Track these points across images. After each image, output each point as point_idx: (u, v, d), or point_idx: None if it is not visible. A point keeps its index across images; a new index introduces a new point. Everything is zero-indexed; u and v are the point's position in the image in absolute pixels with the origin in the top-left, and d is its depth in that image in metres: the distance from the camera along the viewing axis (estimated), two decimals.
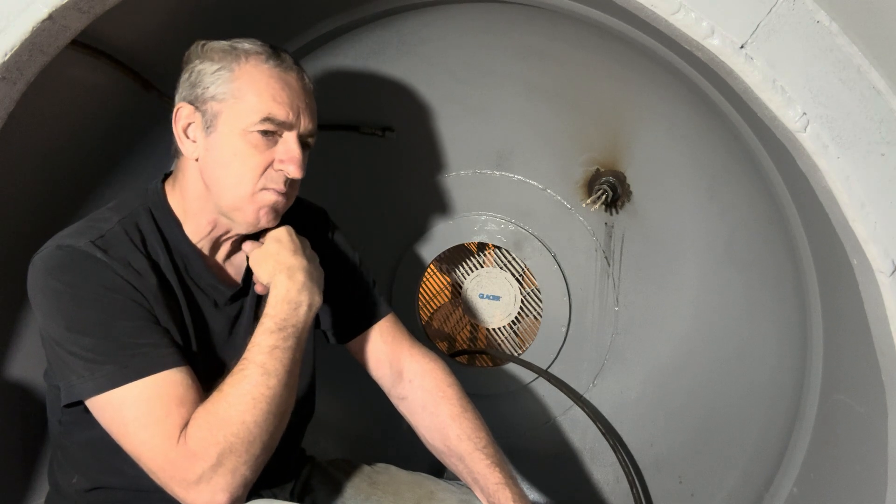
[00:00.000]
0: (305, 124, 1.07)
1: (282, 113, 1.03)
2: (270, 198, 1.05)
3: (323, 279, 1.12)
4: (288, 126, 1.04)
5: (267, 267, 1.08)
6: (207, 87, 1.04)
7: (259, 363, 0.96)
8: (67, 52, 1.10)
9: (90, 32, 1.10)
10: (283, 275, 1.05)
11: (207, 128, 1.04)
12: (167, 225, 1.08)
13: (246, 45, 1.05)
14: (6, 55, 0.97)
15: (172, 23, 1.37)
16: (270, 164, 1.04)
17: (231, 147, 1.03)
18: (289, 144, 1.05)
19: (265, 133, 1.03)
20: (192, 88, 1.05)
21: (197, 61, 1.06)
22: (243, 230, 1.10)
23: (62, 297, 0.95)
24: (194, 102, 1.05)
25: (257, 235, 1.13)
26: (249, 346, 0.99)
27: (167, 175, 1.14)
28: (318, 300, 1.07)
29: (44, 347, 1.01)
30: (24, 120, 1.14)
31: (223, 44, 1.05)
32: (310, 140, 1.11)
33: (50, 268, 0.96)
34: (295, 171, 1.05)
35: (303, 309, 1.03)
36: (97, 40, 1.26)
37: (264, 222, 1.07)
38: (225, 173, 1.04)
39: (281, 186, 1.05)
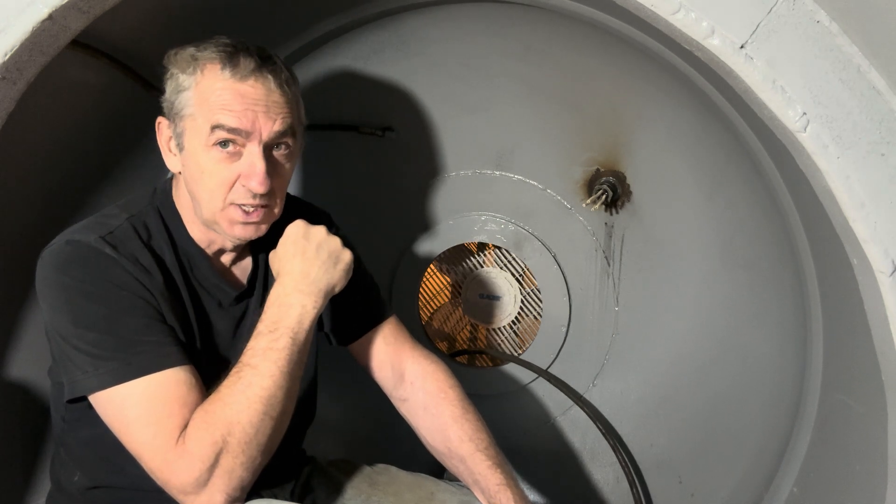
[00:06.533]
0: (269, 129, 1.02)
1: (232, 120, 1.00)
2: (239, 213, 1.04)
3: (340, 270, 1.10)
4: (245, 134, 1.01)
5: (273, 268, 1.10)
6: (174, 103, 1.05)
7: (253, 365, 0.97)
8: (67, 52, 1.10)
9: (90, 32, 1.10)
10: (276, 280, 1.07)
11: (178, 145, 1.06)
12: (174, 225, 1.09)
13: (206, 52, 1.02)
14: (6, 55, 0.97)
15: (173, 22, 1.37)
16: (238, 178, 1.03)
17: (197, 164, 1.03)
18: (250, 158, 1.02)
19: (224, 144, 1.01)
20: (168, 103, 1.06)
21: (171, 70, 1.05)
22: (230, 243, 1.11)
23: (70, 292, 0.95)
24: (169, 117, 1.06)
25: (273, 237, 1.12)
26: (245, 350, 1.00)
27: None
28: (311, 302, 1.04)
29: (49, 343, 1.01)
30: (24, 120, 1.14)
31: (189, 52, 1.04)
32: (285, 141, 1.06)
33: (59, 263, 0.97)
34: (257, 186, 1.01)
35: (294, 311, 1.02)
36: (97, 40, 1.26)
37: (241, 235, 1.07)
38: (198, 189, 1.04)
39: (249, 200, 1.03)
